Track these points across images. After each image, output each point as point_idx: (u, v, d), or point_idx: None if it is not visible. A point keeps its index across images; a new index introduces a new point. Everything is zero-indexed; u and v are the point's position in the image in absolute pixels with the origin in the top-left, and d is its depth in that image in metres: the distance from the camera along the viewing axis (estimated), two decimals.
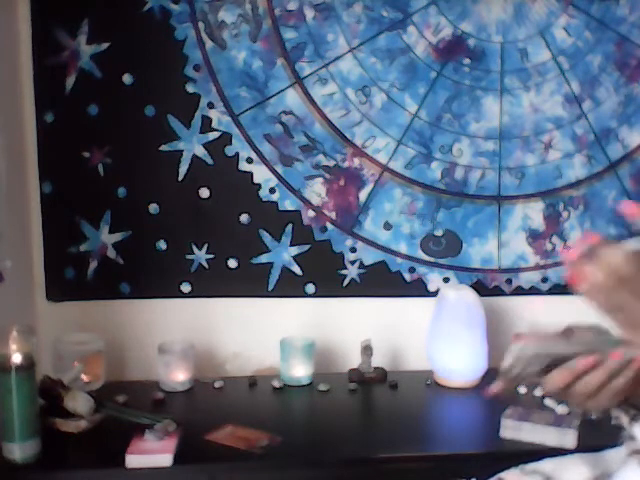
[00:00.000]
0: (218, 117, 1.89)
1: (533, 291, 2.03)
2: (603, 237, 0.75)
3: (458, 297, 1.86)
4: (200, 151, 1.90)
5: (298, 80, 1.90)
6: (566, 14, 1.93)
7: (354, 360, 1.93)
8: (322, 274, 1.98)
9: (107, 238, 1.92)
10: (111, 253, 1.92)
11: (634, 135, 1.98)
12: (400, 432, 1.61)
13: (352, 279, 1.99)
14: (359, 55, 1.90)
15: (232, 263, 1.95)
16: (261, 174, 1.93)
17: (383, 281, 1.99)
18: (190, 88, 1.88)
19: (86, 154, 1.88)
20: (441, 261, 2.00)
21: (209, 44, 1.87)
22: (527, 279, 2.03)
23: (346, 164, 1.94)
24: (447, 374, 1.86)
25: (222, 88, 1.89)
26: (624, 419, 0.83)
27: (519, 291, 2.03)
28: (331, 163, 1.94)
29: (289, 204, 1.94)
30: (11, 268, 1.68)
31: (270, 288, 1.97)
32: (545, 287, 2.03)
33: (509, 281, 2.03)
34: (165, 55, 1.86)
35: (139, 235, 1.92)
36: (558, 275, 2.03)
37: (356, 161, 1.94)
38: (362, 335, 1.92)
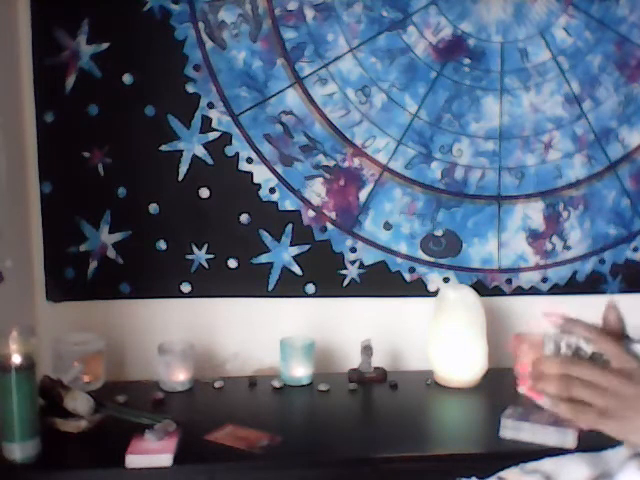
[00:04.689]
0: (218, 117, 1.89)
1: (533, 291, 2.03)
2: (564, 316, 0.77)
3: (458, 297, 1.86)
4: (200, 151, 1.90)
5: (298, 80, 1.90)
6: (566, 14, 1.92)
7: (354, 360, 1.93)
8: (322, 274, 1.98)
9: (107, 238, 1.92)
10: (111, 253, 1.92)
11: (634, 135, 1.98)
12: (400, 432, 1.61)
13: (352, 279, 1.99)
14: (359, 55, 1.90)
15: (232, 263, 1.95)
16: (261, 174, 1.93)
17: (383, 281, 1.99)
18: (190, 88, 1.88)
19: (86, 154, 1.88)
20: (441, 261, 2.00)
21: (209, 44, 1.87)
22: (527, 279, 2.03)
23: (346, 164, 1.94)
24: (447, 374, 1.86)
25: (222, 88, 1.89)
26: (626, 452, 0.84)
27: (519, 291, 2.03)
28: (331, 163, 1.94)
29: (289, 204, 1.94)
30: (11, 268, 1.69)
31: (270, 288, 1.97)
32: (545, 287, 2.03)
33: (509, 281, 2.03)
34: (165, 55, 1.86)
35: (139, 235, 1.92)
36: (558, 275, 2.03)
37: (356, 161, 1.94)
38: (362, 335, 1.92)
